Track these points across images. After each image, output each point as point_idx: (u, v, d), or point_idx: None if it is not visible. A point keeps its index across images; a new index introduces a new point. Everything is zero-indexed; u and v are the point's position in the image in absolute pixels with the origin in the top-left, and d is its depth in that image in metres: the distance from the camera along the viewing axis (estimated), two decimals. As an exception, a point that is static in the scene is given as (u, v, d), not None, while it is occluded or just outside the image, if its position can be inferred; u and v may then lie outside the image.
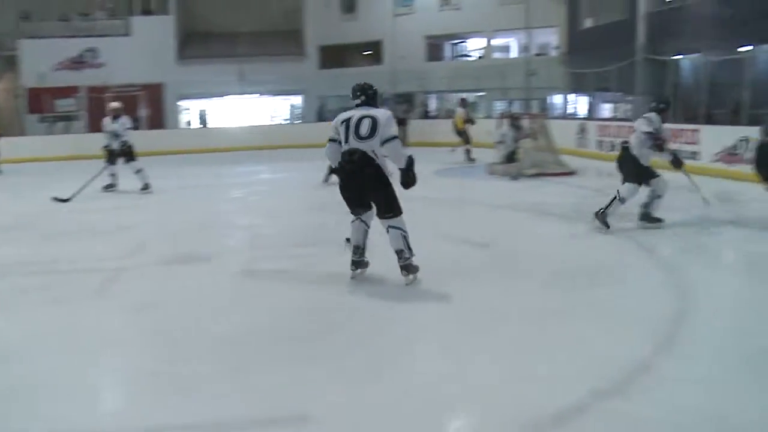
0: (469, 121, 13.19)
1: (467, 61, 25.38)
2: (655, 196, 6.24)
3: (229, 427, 2.74)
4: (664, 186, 6.21)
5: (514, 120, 11.53)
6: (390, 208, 4.48)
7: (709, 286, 4.52)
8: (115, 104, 10.14)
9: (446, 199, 8.76)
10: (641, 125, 6.21)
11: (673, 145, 7.18)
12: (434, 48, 25.47)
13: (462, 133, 13.67)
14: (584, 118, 15.66)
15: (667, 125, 6.39)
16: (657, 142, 6.15)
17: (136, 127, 13.52)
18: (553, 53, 22.57)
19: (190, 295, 4.67)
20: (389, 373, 3.21)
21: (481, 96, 23.09)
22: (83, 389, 3.16)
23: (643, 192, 6.27)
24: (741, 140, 9.86)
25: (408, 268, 4.54)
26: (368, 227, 4.66)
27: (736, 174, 9.48)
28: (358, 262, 4.71)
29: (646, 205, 6.31)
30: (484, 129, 13.99)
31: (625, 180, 6.21)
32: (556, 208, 7.56)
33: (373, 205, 4.55)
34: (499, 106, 21.65)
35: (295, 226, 7.09)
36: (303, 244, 6.09)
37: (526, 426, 2.66)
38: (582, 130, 14.70)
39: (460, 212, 7.94)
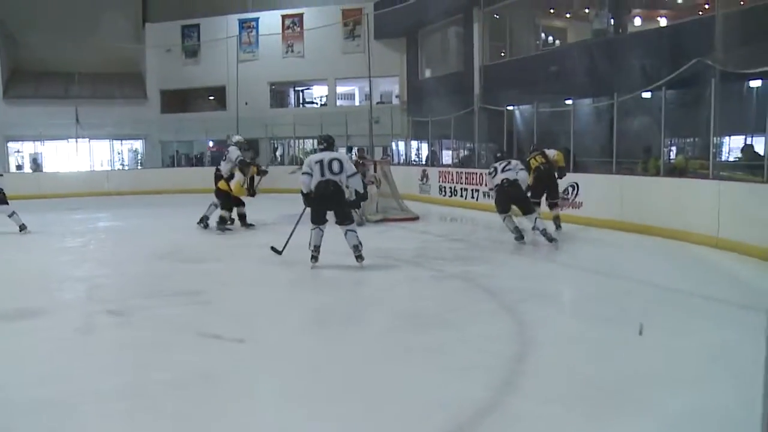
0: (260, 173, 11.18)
1: (312, 108, 25.67)
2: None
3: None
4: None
5: (358, 164, 11.65)
6: (347, 218, 6.84)
7: (546, 325, 4.71)
8: None
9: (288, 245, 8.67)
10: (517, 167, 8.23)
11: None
12: (279, 94, 25.54)
13: None
14: (426, 165, 16.21)
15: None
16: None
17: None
18: (395, 101, 23.38)
19: (20, 356, 4.22)
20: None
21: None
22: None
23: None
24: (570, 186, 10.47)
25: (361, 257, 6.78)
26: (323, 233, 6.85)
27: (567, 217, 9.99)
28: (316, 256, 6.83)
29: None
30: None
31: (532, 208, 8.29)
32: (400, 253, 7.74)
33: (333, 215, 6.80)
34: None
35: (138, 275, 6.79)
36: (146, 294, 5.81)
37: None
38: (424, 176, 15.26)
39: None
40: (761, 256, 6.86)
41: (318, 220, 6.88)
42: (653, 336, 4.32)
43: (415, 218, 11.24)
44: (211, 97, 25.65)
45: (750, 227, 7.15)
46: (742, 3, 12.28)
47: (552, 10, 17.14)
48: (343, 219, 6.88)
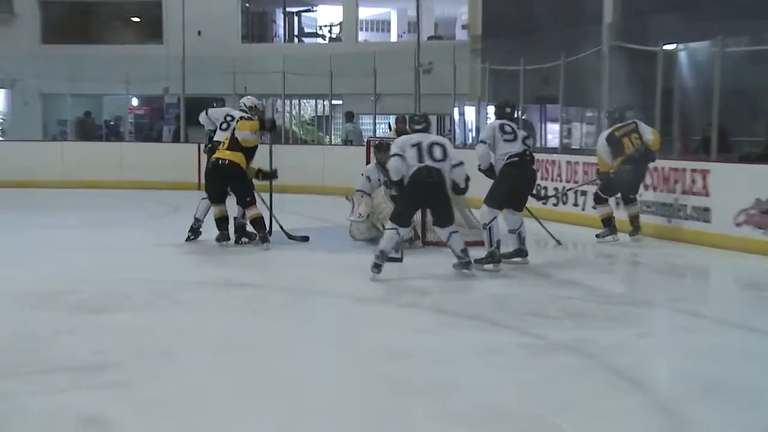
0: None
1: (314, 44, 25.61)
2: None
3: None
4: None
5: (382, 151, 11.34)
6: (450, 219, 8.85)
7: None
8: None
9: (286, 286, 8.93)
10: None
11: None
12: (256, 19, 25.76)
13: None
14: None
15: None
16: None
17: None
18: (461, 35, 23.26)
19: None
20: None
21: (337, 105, 23.25)
22: None
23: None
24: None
25: (470, 264, 8.89)
26: (401, 237, 9.04)
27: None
28: (380, 266, 8.63)
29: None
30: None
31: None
32: (465, 303, 7.99)
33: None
34: (367, 123, 21.91)
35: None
36: (7, 370, 5.74)
37: None
38: None
39: (309, 302, 8.23)
40: None
41: (405, 219, 8.80)
42: None
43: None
44: (136, 20, 25.79)
45: None
46: None
47: None
48: (445, 220, 8.81)
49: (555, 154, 14.78)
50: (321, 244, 11.31)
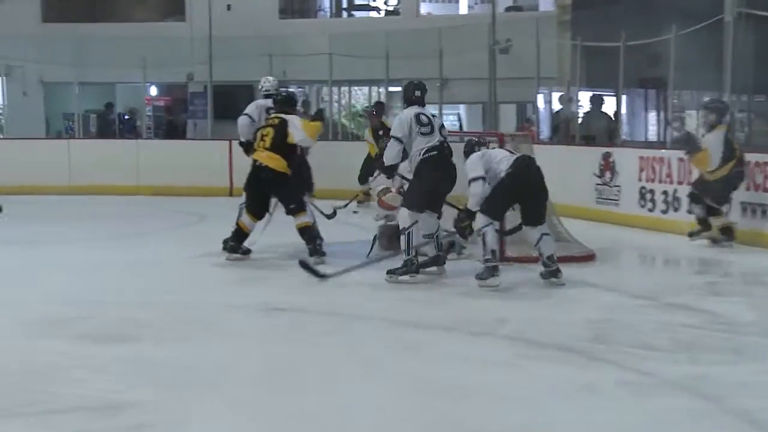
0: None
1: (366, 19, 25.66)
2: None
3: None
4: None
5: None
6: (544, 217, 9.81)
7: None
8: None
9: (334, 311, 8.90)
10: None
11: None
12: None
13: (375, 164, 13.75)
14: (610, 143, 16.25)
15: None
16: None
17: None
18: (545, 5, 23.16)
19: None
20: None
21: (395, 92, 23.24)
22: None
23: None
24: None
25: (558, 272, 9.53)
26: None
27: None
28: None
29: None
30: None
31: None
32: (554, 332, 7.86)
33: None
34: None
35: None
36: (6, 411, 5.76)
37: None
38: (606, 168, 15.16)
39: (358, 329, 8.24)
40: None
41: (499, 211, 9.59)
42: None
43: (588, 257, 11.48)
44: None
45: None
46: None
47: None
48: (540, 217, 9.61)
49: (663, 150, 14.68)
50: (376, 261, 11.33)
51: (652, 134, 18.68)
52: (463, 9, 25.81)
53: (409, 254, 9.82)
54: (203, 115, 22.95)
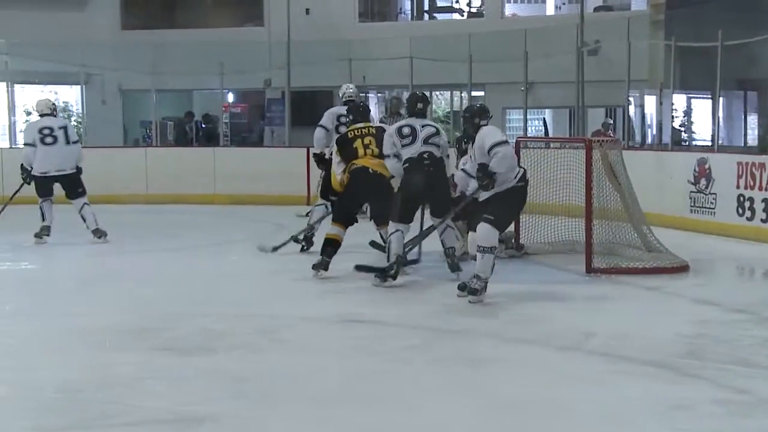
0: None
1: (448, 22, 25.58)
2: None
3: None
4: None
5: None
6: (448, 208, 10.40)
7: None
8: None
9: (416, 324, 8.87)
10: None
11: None
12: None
13: None
14: (708, 148, 16.24)
15: None
16: None
17: None
18: (637, 5, 23.06)
19: None
20: None
21: (478, 97, 23.21)
22: None
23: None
24: None
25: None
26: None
27: None
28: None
29: None
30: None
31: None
32: (644, 347, 7.77)
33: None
34: (515, 120, 21.77)
35: (67, 384, 6.84)
36: (86, 424, 5.88)
37: None
38: (701, 175, 14.96)
39: (442, 343, 8.17)
40: None
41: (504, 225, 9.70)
42: None
43: (681, 268, 11.34)
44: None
45: None
46: None
47: None
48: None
49: (763, 156, 14.47)
50: (465, 272, 11.08)
51: (752, 139, 18.42)
52: (549, 10, 25.72)
53: (388, 260, 10.36)
54: (281, 122, 23.03)
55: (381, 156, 10.70)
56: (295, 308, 9.51)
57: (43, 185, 13.38)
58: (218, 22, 26.78)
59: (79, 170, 13.66)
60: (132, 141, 25.42)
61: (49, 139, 13.36)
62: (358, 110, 11.46)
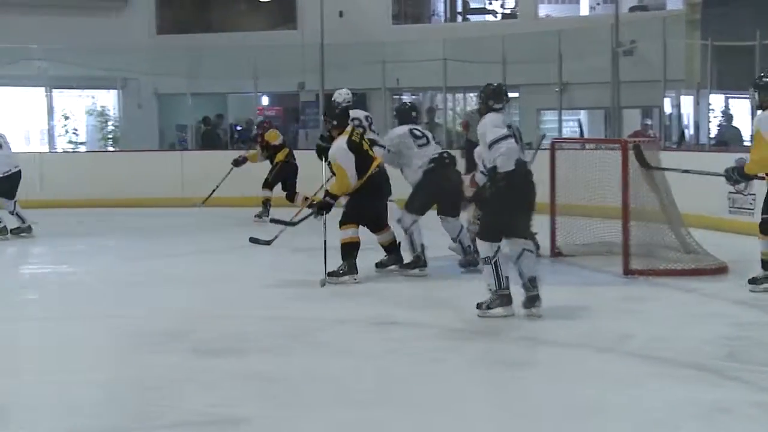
0: None
1: (482, 23, 25.56)
2: None
3: None
4: None
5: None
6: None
7: None
8: None
9: (454, 326, 8.85)
10: None
11: None
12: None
13: None
14: (745, 148, 15.71)
15: None
16: None
17: None
18: (674, 4, 22.98)
19: None
20: None
21: (512, 98, 23.13)
22: None
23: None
24: None
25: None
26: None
27: None
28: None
29: None
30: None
31: None
32: (681, 348, 7.77)
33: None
34: (550, 121, 21.71)
35: (110, 384, 6.96)
36: (126, 426, 6.02)
37: None
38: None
39: (479, 345, 8.20)
40: None
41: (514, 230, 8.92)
42: None
43: (720, 269, 11.31)
44: (264, 0, 26.24)
45: None
46: None
47: None
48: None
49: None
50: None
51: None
52: (584, 10, 25.67)
53: (415, 251, 10.93)
54: (315, 125, 22.96)
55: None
56: (327, 310, 9.58)
57: None
58: (252, 26, 26.99)
59: None
60: (168, 144, 25.46)
61: None
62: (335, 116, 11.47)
